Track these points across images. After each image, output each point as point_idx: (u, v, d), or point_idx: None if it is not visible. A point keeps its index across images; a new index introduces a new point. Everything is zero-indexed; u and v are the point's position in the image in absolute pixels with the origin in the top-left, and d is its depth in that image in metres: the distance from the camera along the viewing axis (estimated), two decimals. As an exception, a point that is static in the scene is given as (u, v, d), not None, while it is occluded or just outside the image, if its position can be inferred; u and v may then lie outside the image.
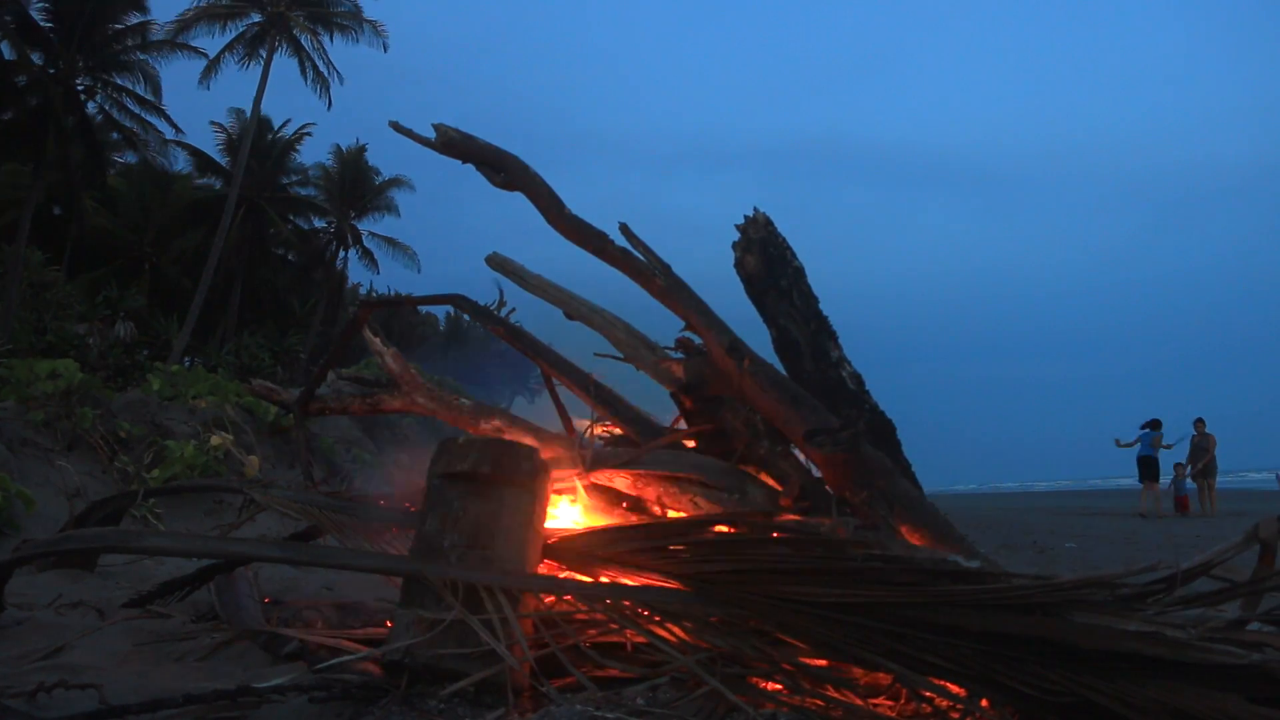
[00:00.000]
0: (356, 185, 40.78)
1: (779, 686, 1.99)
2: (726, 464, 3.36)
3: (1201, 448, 16.03)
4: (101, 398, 8.75)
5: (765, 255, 3.53)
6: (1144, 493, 15.84)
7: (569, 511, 3.14)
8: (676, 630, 2.11)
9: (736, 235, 3.61)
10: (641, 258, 3.38)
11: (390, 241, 41.75)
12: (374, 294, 37.18)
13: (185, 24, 31.81)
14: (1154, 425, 16.50)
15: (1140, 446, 16.37)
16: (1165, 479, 16.43)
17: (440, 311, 51.57)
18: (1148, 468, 15.99)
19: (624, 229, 3.38)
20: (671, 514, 3.17)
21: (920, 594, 1.88)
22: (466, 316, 4.10)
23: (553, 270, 3.84)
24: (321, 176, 40.97)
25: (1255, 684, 1.68)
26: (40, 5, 28.45)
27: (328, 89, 34.32)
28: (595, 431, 3.67)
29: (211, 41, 33.30)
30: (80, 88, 29.64)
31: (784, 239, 3.59)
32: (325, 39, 33.98)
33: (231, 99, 36.50)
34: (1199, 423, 16.44)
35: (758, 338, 3.50)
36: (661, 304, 3.42)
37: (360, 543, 2.68)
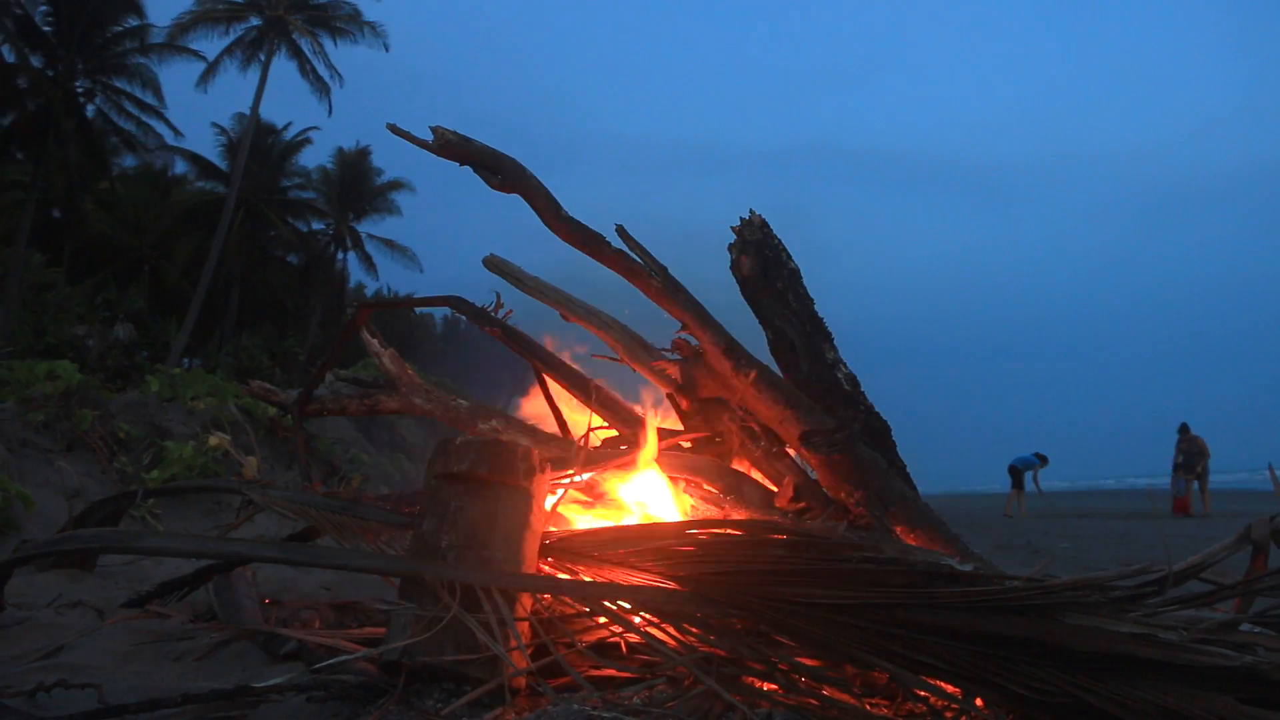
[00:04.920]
0: (356, 188, 40.79)
1: (775, 686, 2.00)
2: (723, 465, 3.37)
3: (1198, 452, 16.46)
4: (100, 399, 8.75)
5: (761, 257, 3.54)
6: (1010, 498, 17.86)
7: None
8: (673, 631, 2.12)
9: (733, 237, 3.62)
10: (638, 259, 3.39)
11: (389, 243, 41.79)
12: (378, 294, 37.19)
13: (184, 27, 31.83)
14: (1043, 461, 18.41)
15: (1018, 459, 18.17)
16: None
17: (439, 313, 51.59)
18: (1013, 476, 18.05)
19: (620, 231, 3.39)
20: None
21: (914, 595, 1.90)
22: (464, 318, 4.10)
23: (550, 272, 3.85)
24: (321, 179, 40.98)
25: (1247, 685, 1.69)
26: (41, 8, 28.44)
27: (329, 93, 34.36)
28: (591, 433, 3.68)
29: (211, 45, 33.31)
30: (79, 90, 29.63)
31: (780, 241, 3.60)
32: (325, 42, 33.98)
33: (233, 102, 36.56)
34: (1184, 429, 16.88)
35: (754, 339, 3.52)
36: (658, 305, 3.43)
37: (358, 543, 2.69)
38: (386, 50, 35.44)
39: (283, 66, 33.71)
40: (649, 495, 3.08)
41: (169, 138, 32.76)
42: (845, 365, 3.55)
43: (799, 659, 2.02)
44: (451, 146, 3.49)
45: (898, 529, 3.14)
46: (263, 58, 32.77)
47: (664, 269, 3.39)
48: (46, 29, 28.71)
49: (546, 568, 2.40)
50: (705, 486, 3.23)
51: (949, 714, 1.95)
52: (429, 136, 3.48)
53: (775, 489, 3.33)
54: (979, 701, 1.88)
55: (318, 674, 2.15)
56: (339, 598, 3.49)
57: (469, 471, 2.24)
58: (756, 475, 3.42)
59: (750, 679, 2.03)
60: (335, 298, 40.33)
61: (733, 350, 3.31)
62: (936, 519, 3.28)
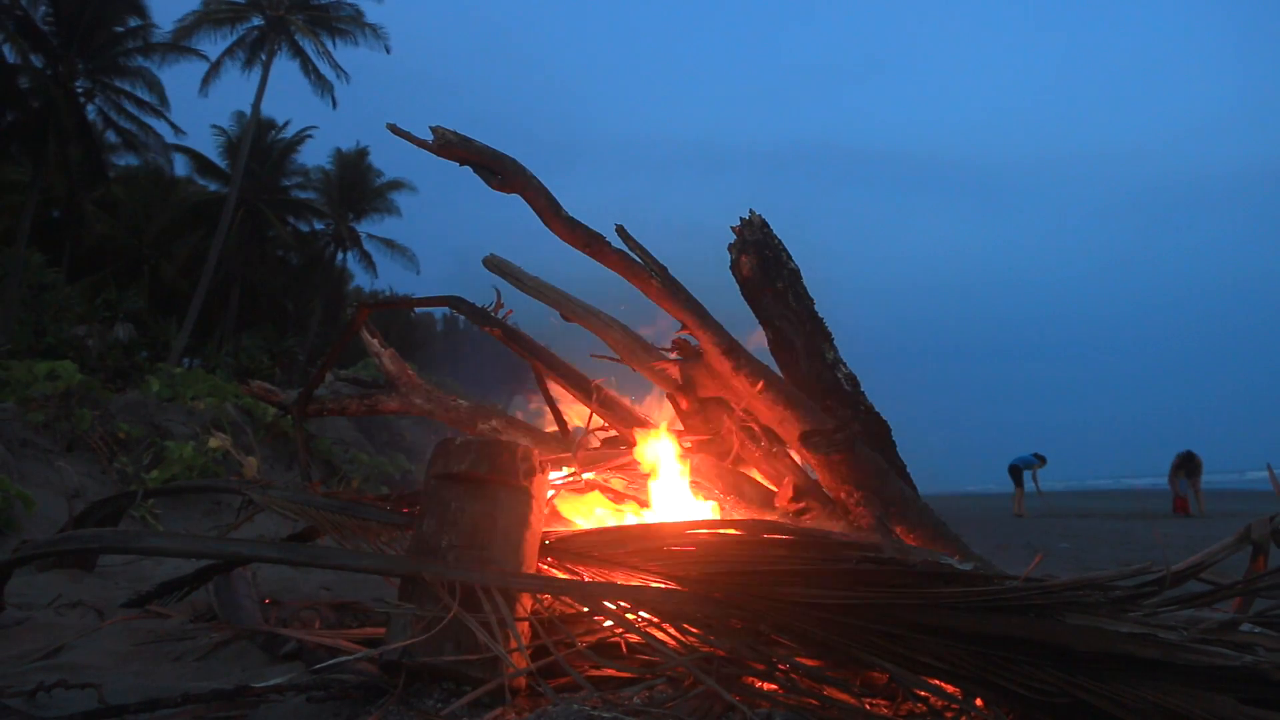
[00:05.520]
0: (356, 188, 40.81)
1: (775, 686, 2.00)
2: (723, 465, 3.37)
3: (1196, 466, 16.99)
4: (101, 399, 8.76)
5: (761, 257, 3.54)
6: (1016, 498, 17.97)
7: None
8: (673, 631, 2.12)
9: (733, 237, 3.62)
10: (638, 259, 3.39)
11: (389, 243, 41.81)
12: (378, 294, 37.20)
13: (187, 29, 31.85)
14: (1042, 461, 18.56)
15: (1018, 459, 18.38)
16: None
17: (439, 313, 51.62)
18: (1014, 476, 18.24)
19: (620, 231, 3.39)
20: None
21: (914, 596, 1.89)
22: (464, 318, 4.10)
23: (550, 272, 3.85)
24: (321, 179, 41.00)
25: (1247, 685, 1.69)
26: (42, 8, 28.45)
27: (331, 90, 34.36)
28: (591, 433, 3.68)
29: (213, 46, 33.30)
30: (80, 90, 29.63)
31: (779, 241, 3.61)
32: (326, 42, 33.99)
33: (234, 102, 36.54)
34: (1188, 454, 17.36)
35: (754, 339, 3.52)
36: (658, 306, 3.43)
37: (358, 543, 2.69)
38: (387, 52, 35.44)
39: (283, 66, 33.78)
40: (648, 494, 3.08)
41: (170, 136, 32.77)
42: (845, 365, 3.56)
43: (799, 659, 2.02)
44: (451, 146, 3.48)
45: (898, 529, 3.14)
46: (264, 57, 32.80)
47: (664, 269, 3.39)
48: (47, 29, 28.72)
49: (546, 568, 2.40)
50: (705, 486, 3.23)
51: (949, 714, 1.95)
52: (429, 136, 3.48)
53: (775, 489, 3.33)
54: (979, 701, 1.88)
55: (318, 674, 2.15)
56: (339, 598, 3.49)
57: (469, 471, 2.24)
58: (756, 475, 3.42)
59: (750, 679, 2.03)
60: (335, 298, 40.36)
61: (733, 350, 3.31)
62: (936, 519, 3.28)
